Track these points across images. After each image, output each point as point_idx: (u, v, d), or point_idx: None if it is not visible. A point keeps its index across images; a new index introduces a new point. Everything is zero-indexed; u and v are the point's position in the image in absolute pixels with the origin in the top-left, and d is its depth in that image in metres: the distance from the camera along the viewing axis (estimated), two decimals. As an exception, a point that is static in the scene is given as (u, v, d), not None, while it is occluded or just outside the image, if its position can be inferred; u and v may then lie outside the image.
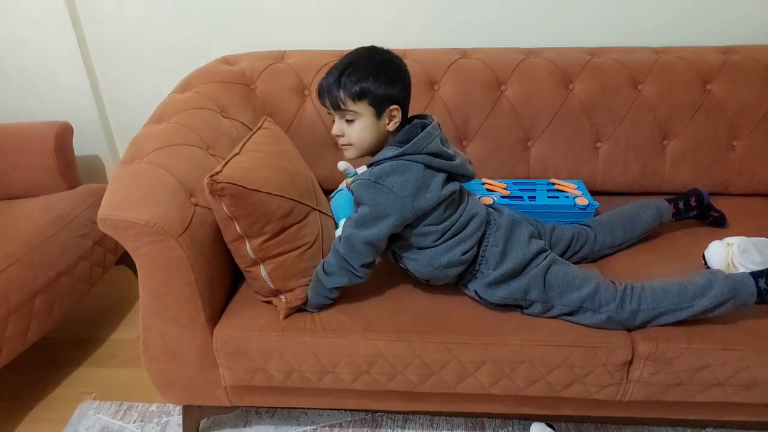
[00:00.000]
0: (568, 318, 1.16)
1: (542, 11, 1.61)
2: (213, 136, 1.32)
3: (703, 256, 1.28)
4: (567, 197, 1.46)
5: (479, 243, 1.17)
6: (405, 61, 1.51)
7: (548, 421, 1.36)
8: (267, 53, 1.60)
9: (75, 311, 1.58)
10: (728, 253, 1.24)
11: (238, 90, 1.51)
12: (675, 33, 1.61)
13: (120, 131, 1.90)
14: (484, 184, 1.52)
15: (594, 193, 1.54)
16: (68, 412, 1.48)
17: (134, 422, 1.45)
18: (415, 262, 1.18)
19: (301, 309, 1.20)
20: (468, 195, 1.23)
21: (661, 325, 1.14)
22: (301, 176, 1.28)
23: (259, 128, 1.31)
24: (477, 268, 1.18)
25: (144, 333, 1.20)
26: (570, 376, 1.15)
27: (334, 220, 1.34)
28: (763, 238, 1.27)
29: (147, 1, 1.67)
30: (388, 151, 1.12)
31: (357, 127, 1.12)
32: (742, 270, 1.21)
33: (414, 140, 1.10)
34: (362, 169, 1.41)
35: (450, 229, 1.15)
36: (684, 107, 1.51)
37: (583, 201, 1.43)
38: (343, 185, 1.40)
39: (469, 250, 1.16)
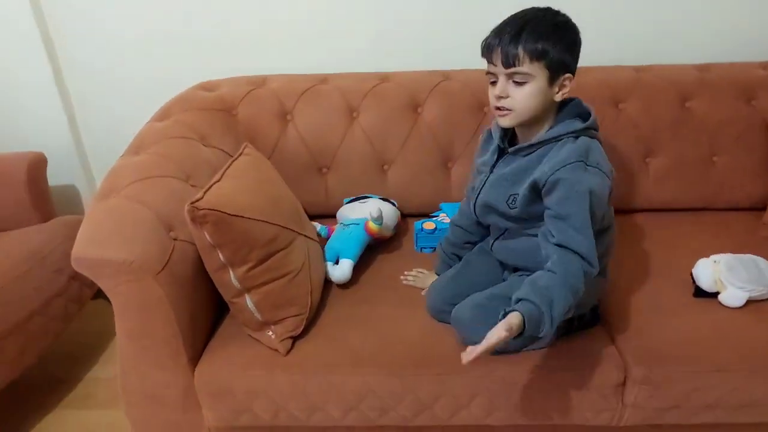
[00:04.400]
0: None
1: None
2: (193, 165, 1.29)
3: (691, 275, 1.28)
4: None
5: None
6: (388, 84, 1.54)
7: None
8: (248, 78, 1.58)
9: (48, 349, 1.51)
10: (715, 271, 1.24)
11: (219, 117, 1.47)
12: (652, 52, 1.63)
13: (97, 160, 1.84)
14: (470, 206, 1.50)
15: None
16: (43, 457, 1.41)
17: (114, 466, 1.39)
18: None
19: (295, 338, 1.16)
20: None
21: None
22: (285, 201, 1.26)
23: (240, 155, 1.28)
24: None
25: (122, 377, 1.15)
26: (565, 402, 1.13)
27: (324, 255, 1.32)
28: (748, 255, 1.27)
29: (124, 27, 1.63)
30: (570, 124, 1.03)
31: (527, 91, 0.99)
32: (729, 287, 1.21)
33: (593, 116, 1.03)
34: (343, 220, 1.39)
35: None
36: (665, 124, 1.52)
37: (429, 225, 1.42)
38: (339, 227, 1.37)
39: None
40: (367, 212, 1.38)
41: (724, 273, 1.22)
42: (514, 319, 0.90)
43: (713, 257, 1.28)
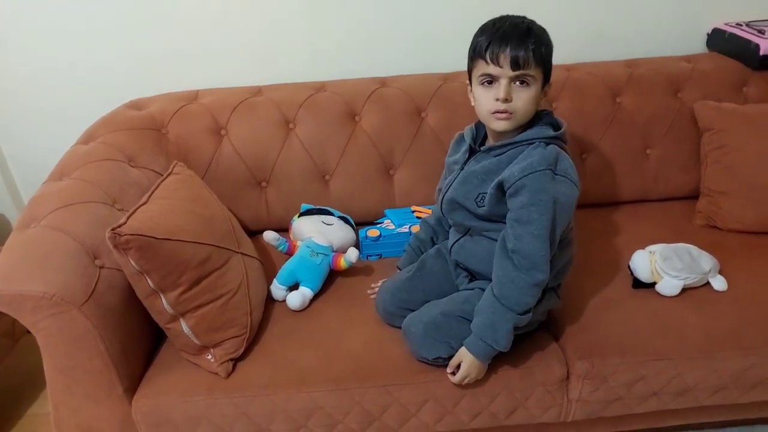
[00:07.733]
0: None
1: (455, 36, 1.62)
2: (120, 189, 1.24)
3: (629, 267, 1.30)
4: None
5: None
6: (324, 93, 1.52)
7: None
8: (179, 94, 1.53)
9: (-16, 388, 1.44)
10: (651, 261, 1.27)
11: (149, 136, 1.42)
12: (582, 50, 1.67)
13: (28, 188, 1.76)
14: (414, 211, 1.50)
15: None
16: (-20, 505, 1.33)
17: (57, 507, 1.31)
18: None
19: (236, 360, 1.12)
20: None
21: None
22: (218, 220, 1.22)
23: (169, 174, 1.24)
24: None
25: (55, 413, 1.09)
26: (512, 402, 1.14)
27: (263, 271, 1.28)
28: (681, 244, 1.31)
29: (46, 46, 1.55)
30: (543, 130, 1.05)
31: (530, 94, 1.01)
32: (665, 277, 1.24)
33: (564, 128, 1.06)
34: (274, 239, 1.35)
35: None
36: (597, 121, 1.55)
37: (373, 233, 1.42)
38: (304, 250, 1.33)
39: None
40: (333, 238, 1.37)
41: (659, 263, 1.25)
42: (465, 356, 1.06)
43: (648, 248, 1.31)
